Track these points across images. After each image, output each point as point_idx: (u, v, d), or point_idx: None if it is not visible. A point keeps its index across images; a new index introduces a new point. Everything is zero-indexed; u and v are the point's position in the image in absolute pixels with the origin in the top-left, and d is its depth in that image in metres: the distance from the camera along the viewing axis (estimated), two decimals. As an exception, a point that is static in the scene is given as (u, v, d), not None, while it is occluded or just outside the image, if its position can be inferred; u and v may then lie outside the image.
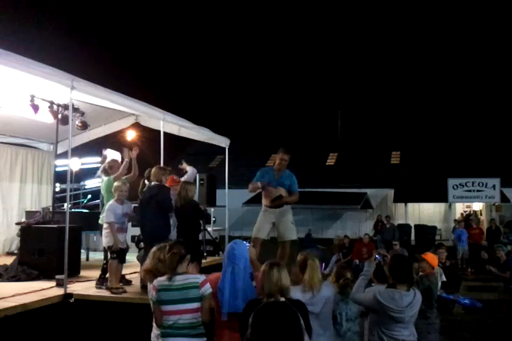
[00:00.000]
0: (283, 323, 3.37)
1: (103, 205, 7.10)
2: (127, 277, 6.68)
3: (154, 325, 3.95)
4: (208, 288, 3.72)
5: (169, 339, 3.70)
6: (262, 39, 68.05)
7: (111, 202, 6.21)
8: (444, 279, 7.98)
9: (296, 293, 3.83)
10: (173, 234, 6.11)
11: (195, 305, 3.70)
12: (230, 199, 10.36)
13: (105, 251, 6.30)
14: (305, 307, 3.48)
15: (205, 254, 8.62)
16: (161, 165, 7.81)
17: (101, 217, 6.72)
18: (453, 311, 8.70)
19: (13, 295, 5.49)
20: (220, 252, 9.39)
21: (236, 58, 63.48)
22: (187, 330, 3.66)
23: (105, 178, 6.95)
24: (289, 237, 6.35)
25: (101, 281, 6.29)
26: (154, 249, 4.05)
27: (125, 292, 5.93)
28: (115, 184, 6.27)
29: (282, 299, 3.42)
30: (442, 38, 58.67)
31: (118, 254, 6.06)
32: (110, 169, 7.02)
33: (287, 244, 6.37)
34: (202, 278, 3.78)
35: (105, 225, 6.11)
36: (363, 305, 4.23)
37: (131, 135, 12.43)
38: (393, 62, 55.37)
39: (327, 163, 31.12)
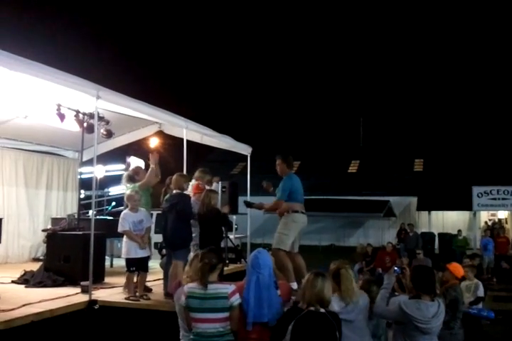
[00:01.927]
0: (322, 334, 3.40)
1: None
2: (150, 284, 6.72)
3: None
4: (236, 299, 3.72)
5: None
6: (285, 49, 68.33)
7: (124, 211, 6.28)
8: (482, 295, 7.23)
9: (331, 303, 3.81)
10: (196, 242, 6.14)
11: (224, 314, 3.70)
12: (251, 206, 10.36)
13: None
14: (340, 320, 3.51)
15: (227, 262, 8.64)
16: (184, 172, 7.88)
17: None
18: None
19: (39, 301, 5.56)
20: (242, 259, 9.38)
21: (260, 68, 63.83)
22: (216, 338, 3.68)
23: (130, 186, 6.95)
24: (273, 245, 6.17)
25: None
26: (192, 255, 4.09)
27: (149, 299, 5.97)
28: (126, 193, 6.29)
29: (322, 310, 3.44)
30: (465, 47, 58.11)
31: (136, 266, 6.07)
32: (137, 175, 7.08)
33: (274, 251, 6.03)
34: (231, 288, 3.75)
35: (125, 236, 6.14)
36: (387, 319, 4.17)
37: (154, 142, 12.55)
38: (416, 70, 55.04)
39: (349, 171, 30.97)
